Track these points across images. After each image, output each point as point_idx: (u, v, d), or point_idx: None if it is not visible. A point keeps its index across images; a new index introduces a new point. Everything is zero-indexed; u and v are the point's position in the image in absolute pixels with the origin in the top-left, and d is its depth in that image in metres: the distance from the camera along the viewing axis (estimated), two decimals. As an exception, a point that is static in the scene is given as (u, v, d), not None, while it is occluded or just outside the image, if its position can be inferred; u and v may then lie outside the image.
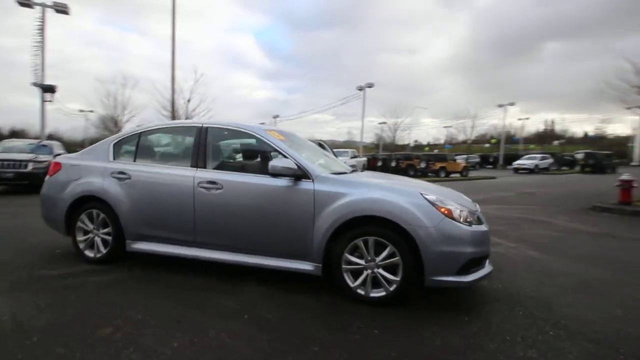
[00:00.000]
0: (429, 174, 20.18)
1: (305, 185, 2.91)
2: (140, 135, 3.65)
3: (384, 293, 2.70)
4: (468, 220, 2.73)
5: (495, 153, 38.66)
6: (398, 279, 2.65)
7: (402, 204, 2.68)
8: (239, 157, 3.77)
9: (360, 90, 27.33)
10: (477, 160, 37.28)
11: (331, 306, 2.72)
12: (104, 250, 3.51)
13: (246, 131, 3.33)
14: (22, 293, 2.81)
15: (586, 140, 56.32)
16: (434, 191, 2.95)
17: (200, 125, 3.47)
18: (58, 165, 3.79)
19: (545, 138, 56.78)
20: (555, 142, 53.93)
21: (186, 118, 13.57)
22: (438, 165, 21.18)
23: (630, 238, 5.41)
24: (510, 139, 46.61)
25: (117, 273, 3.29)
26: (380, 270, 2.70)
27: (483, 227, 2.85)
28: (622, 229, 6.13)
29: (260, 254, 3.06)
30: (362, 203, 2.74)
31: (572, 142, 58.25)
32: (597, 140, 51.00)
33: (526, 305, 2.81)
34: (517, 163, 29.08)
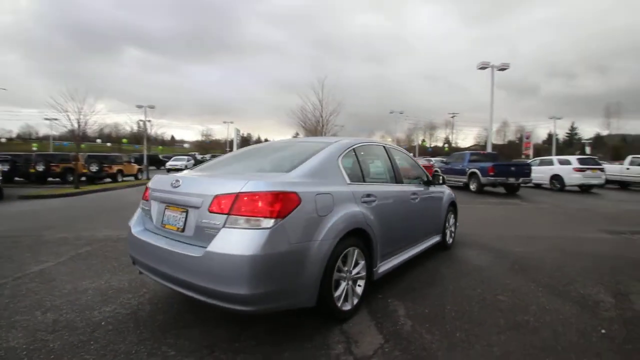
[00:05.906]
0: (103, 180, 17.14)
1: (436, 188, 4.63)
2: (355, 150, 3.16)
3: (452, 240, 5.18)
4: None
5: (137, 154, 33.68)
6: (453, 229, 5.26)
7: (451, 193, 5.30)
8: (411, 173, 4.20)
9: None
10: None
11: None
12: (359, 292, 2.88)
13: (405, 154, 4.23)
14: None
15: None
16: None
17: (384, 145, 3.79)
18: (293, 198, 2.26)
19: (139, 139, 59.44)
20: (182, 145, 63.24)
21: None
22: (115, 168, 18.17)
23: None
24: (140, 140, 41.17)
25: (400, 320, 2.80)
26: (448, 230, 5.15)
27: None
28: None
29: (422, 240, 4.25)
30: (451, 194, 5.02)
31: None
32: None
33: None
34: (170, 164, 30.74)
